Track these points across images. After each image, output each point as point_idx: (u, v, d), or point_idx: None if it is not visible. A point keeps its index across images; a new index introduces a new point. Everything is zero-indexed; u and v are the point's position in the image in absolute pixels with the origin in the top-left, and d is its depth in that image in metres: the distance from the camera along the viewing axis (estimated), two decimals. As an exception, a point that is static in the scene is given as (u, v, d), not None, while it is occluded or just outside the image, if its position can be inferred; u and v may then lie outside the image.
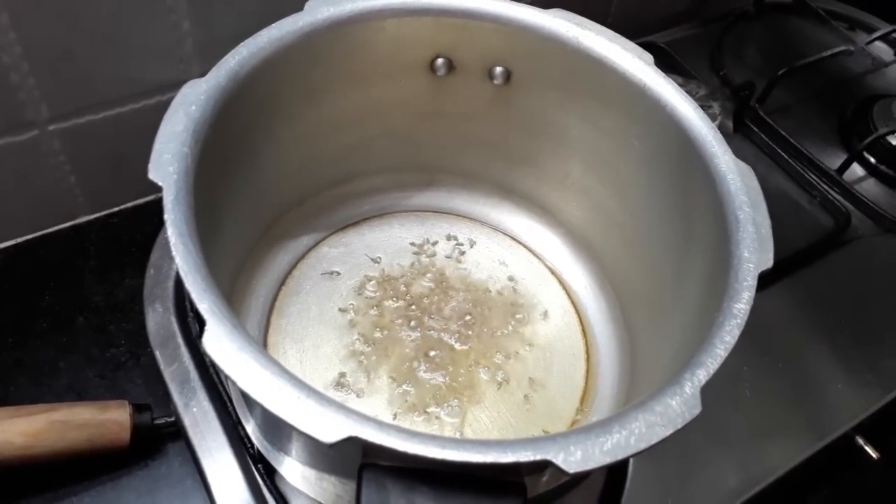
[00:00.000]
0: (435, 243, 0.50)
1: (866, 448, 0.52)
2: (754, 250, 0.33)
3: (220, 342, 0.26)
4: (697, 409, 0.28)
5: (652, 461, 0.46)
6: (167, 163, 0.30)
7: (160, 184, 0.30)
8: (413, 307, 0.47)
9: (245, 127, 0.37)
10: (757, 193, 0.35)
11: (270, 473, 0.42)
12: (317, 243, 0.49)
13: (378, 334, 0.45)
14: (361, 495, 0.25)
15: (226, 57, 0.35)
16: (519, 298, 0.48)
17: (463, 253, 0.50)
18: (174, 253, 0.27)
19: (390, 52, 0.42)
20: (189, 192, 0.30)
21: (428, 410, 0.43)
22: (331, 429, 0.24)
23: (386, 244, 0.50)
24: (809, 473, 0.50)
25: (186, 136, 0.31)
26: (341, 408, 0.25)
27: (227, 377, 0.31)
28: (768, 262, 0.33)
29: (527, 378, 0.45)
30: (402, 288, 0.48)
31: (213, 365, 0.45)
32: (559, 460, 0.25)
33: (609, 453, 0.26)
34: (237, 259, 0.42)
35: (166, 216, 0.29)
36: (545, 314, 0.48)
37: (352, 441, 0.24)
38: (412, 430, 0.25)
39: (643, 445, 0.26)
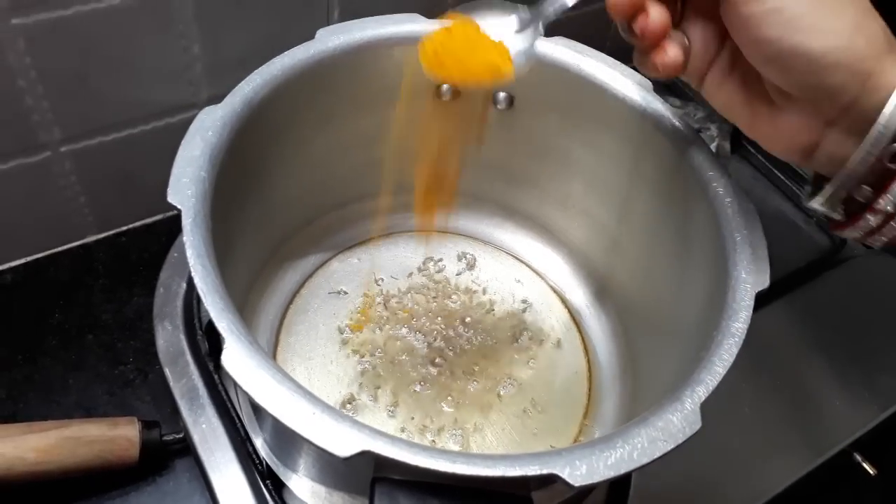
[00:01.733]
0: (439, 261, 0.51)
1: (864, 465, 0.53)
2: (751, 271, 0.34)
3: (238, 359, 0.26)
4: (698, 425, 0.29)
5: (653, 478, 0.47)
6: (185, 186, 0.31)
7: (179, 207, 0.31)
8: (418, 325, 0.47)
9: (258, 151, 0.39)
10: (753, 216, 0.36)
11: (279, 489, 0.42)
12: (324, 263, 0.50)
13: (384, 353, 0.46)
14: (374, 506, 0.26)
15: (240, 84, 0.36)
16: (522, 317, 0.49)
17: (467, 272, 0.51)
18: (193, 274, 0.28)
19: (398, 79, 0.42)
20: (206, 214, 0.31)
21: (433, 427, 0.43)
22: (345, 443, 0.25)
23: (391, 263, 0.51)
24: (809, 490, 0.51)
25: (203, 161, 0.32)
26: (355, 423, 0.26)
27: (244, 393, 0.32)
28: (765, 282, 0.34)
29: (530, 396, 0.46)
30: (408, 306, 0.48)
31: (222, 383, 0.46)
32: (565, 474, 0.26)
33: (613, 467, 0.26)
34: (248, 278, 0.43)
35: (185, 238, 0.29)
36: (548, 333, 0.49)
37: (365, 455, 0.25)
38: (423, 444, 0.26)
39: (646, 460, 0.27)
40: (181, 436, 0.46)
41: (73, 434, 0.43)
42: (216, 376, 0.46)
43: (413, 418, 0.43)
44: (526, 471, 0.26)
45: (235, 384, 0.44)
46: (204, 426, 0.45)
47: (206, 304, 0.27)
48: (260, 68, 0.37)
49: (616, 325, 0.48)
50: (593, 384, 0.47)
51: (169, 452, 0.47)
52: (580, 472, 0.26)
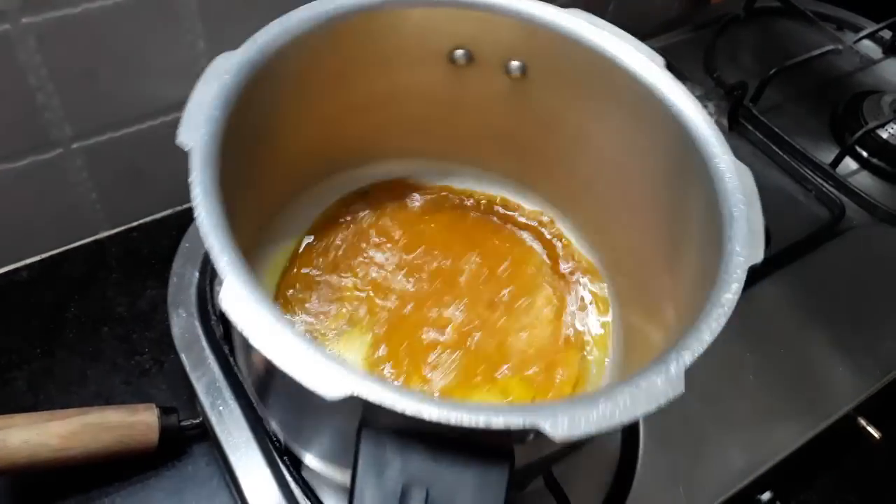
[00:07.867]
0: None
1: (868, 428, 0.54)
2: (746, 245, 0.34)
3: (236, 296, 0.26)
4: (680, 390, 0.28)
5: (661, 445, 0.48)
6: (198, 125, 0.31)
7: (189, 145, 0.30)
8: (424, 286, 0.47)
9: (271, 102, 0.38)
10: (752, 192, 0.36)
11: (296, 465, 0.43)
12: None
13: (392, 314, 0.46)
14: (360, 449, 0.26)
15: (258, 32, 0.36)
16: (522, 287, 0.49)
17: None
18: (197, 212, 0.27)
19: (413, 41, 0.42)
20: (216, 155, 0.30)
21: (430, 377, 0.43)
22: (333, 385, 0.25)
23: (399, 225, 0.50)
24: (814, 454, 0.52)
25: (217, 101, 0.32)
26: (344, 365, 0.25)
27: (246, 350, 0.31)
28: (758, 257, 0.34)
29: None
30: (411, 272, 0.48)
31: (238, 365, 0.46)
32: (547, 427, 0.26)
33: (594, 423, 0.26)
34: (251, 234, 0.43)
35: (193, 176, 0.29)
36: (547, 304, 0.49)
37: (353, 400, 0.25)
38: (411, 390, 0.26)
39: (626, 418, 0.27)
40: (199, 421, 0.47)
41: (95, 420, 0.44)
42: (231, 359, 0.47)
43: (409, 371, 0.43)
44: (509, 421, 0.25)
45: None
46: (221, 408, 0.46)
47: (206, 243, 0.26)
48: (279, 18, 0.37)
49: (613, 300, 0.48)
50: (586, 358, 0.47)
51: (187, 438, 0.48)
52: (562, 425, 0.26)
